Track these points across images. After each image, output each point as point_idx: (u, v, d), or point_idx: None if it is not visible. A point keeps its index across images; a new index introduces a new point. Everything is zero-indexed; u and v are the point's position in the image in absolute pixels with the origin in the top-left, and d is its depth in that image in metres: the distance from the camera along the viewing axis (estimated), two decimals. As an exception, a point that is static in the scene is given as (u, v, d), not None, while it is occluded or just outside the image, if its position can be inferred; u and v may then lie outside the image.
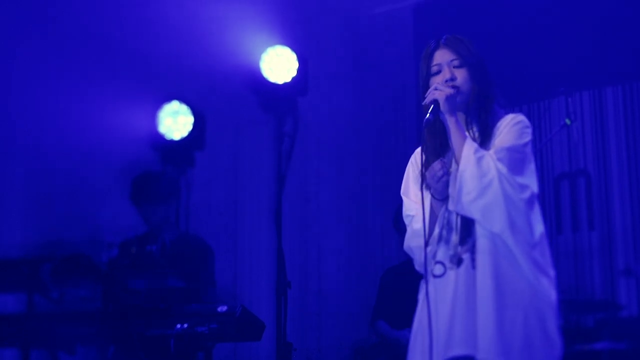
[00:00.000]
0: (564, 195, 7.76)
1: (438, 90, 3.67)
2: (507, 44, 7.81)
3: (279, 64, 6.88)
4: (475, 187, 3.56)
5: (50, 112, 6.95)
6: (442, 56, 3.81)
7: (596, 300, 7.24)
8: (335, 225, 8.48)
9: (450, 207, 3.70)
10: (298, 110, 6.96)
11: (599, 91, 7.70)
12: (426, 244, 3.71)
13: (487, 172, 3.55)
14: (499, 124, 3.75)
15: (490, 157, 3.58)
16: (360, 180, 8.65)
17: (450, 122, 3.64)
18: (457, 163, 3.62)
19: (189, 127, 7.16)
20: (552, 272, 3.68)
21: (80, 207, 7.11)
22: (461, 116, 3.80)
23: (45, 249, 6.25)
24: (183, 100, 7.21)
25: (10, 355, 5.30)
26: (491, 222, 3.57)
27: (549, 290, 3.64)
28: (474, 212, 3.59)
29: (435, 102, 3.64)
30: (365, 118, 8.67)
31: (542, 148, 7.64)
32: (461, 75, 3.77)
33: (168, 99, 7.19)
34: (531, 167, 3.70)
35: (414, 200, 3.85)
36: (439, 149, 3.76)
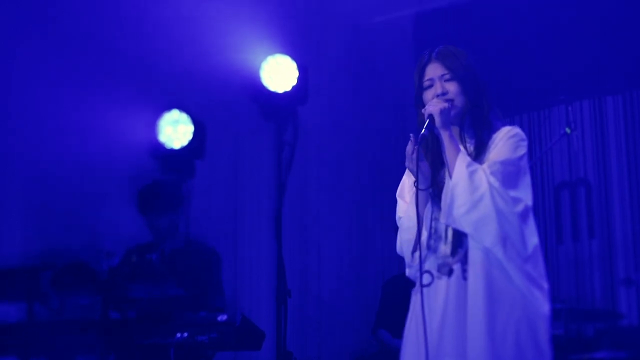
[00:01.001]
0: (564, 204, 7.77)
1: (432, 106, 3.67)
2: (507, 52, 7.83)
3: (279, 73, 6.89)
4: (466, 201, 3.55)
5: (50, 121, 6.95)
6: (433, 70, 3.80)
7: (596, 310, 7.24)
8: (335, 233, 8.47)
9: (442, 219, 3.69)
10: (298, 119, 6.96)
11: (599, 100, 7.72)
12: (415, 248, 3.71)
13: (479, 186, 3.54)
14: (494, 136, 3.73)
15: (482, 171, 3.57)
16: (360, 188, 8.65)
17: (445, 136, 3.63)
18: (450, 175, 3.62)
19: (189, 136, 7.16)
20: (545, 285, 3.65)
21: (80, 215, 7.10)
22: (455, 130, 3.79)
23: (45, 258, 6.22)
24: (183, 109, 7.21)
25: (11, 364, 5.29)
26: (482, 237, 3.56)
27: (541, 302, 3.61)
28: (465, 226, 3.59)
29: (430, 116, 3.64)
30: (365, 126, 8.68)
31: (542, 157, 7.65)
32: (452, 88, 3.75)
33: (168, 107, 7.20)
34: (526, 180, 3.68)
35: (406, 202, 3.85)
36: (435, 163, 3.75)
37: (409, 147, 3.68)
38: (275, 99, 6.93)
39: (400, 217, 3.88)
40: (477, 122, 3.77)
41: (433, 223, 3.75)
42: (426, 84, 3.80)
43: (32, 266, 5.10)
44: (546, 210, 7.76)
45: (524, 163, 3.70)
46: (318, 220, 8.51)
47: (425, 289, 3.70)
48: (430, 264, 3.74)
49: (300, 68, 6.91)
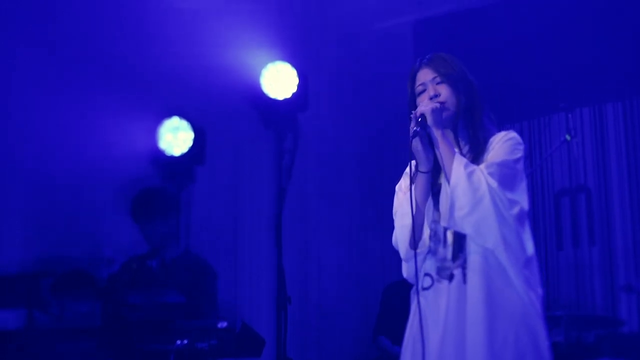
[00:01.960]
0: (564, 210, 7.77)
1: (423, 106, 3.68)
2: (507, 59, 7.84)
3: (279, 80, 6.89)
4: (467, 203, 3.54)
5: (50, 129, 6.95)
6: (424, 75, 3.83)
7: (597, 316, 7.24)
8: (335, 241, 8.48)
9: (443, 223, 3.68)
10: (298, 126, 6.96)
11: (599, 107, 7.73)
12: (413, 238, 3.69)
13: (479, 187, 3.54)
14: (491, 139, 3.74)
15: (480, 172, 3.57)
16: (360, 195, 8.66)
17: (437, 134, 3.64)
18: (447, 178, 3.61)
19: (189, 143, 7.16)
20: (540, 290, 3.65)
21: (80, 223, 7.10)
22: (450, 133, 3.79)
23: (45, 265, 6.23)
24: (183, 116, 7.21)
25: (11, 371, 5.29)
26: (484, 238, 3.56)
27: (539, 307, 3.62)
28: (466, 228, 3.58)
29: (422, 116, 3.65)
30: (365, 134, 8.68)
31: (542, 164, 7.65)
32: (444, 91, 3.77)
33: (168, 114, 7.20)
34: (522, 185, 3.67)
35: (403, 192, 3.84)
36: (431, 162, 3.75)
37: (412, 124, 3.68)
38: (275, 106, 6.93)
39: (396, 212, 3.87)
40: (470, 125, 3.79)
41: (433, 225, 3.75)
42: (419, 89, 3.83)
43: (32, 273, 5.11)
44: (546, 217, 7.76)
45: (521, 167, 3.69)
46: (318, 227, 8.51)
47: (425, 293, 3.71)
48: (429, 267, 3.74)
49: (300, 75, 6.91)
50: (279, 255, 6.08)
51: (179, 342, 5.04)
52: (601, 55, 7.49)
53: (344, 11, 8.42)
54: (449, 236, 3.70)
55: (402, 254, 3.81)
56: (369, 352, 7.63)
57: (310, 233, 8.49)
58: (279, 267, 6.01)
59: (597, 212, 7.61)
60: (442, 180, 3.69)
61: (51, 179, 7.03)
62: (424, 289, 3.72)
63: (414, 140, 3.67)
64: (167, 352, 5.02)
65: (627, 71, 7.48)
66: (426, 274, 3.74)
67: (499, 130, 3.81)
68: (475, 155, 3.72)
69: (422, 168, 3.72)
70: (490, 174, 3.56)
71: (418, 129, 3.63)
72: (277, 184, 6.41)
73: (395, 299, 7.16)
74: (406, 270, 3.84)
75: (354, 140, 8.66)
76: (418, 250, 3.71)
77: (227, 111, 7.92)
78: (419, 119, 3.63)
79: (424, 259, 3.74)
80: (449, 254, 3.69)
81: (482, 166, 3.60)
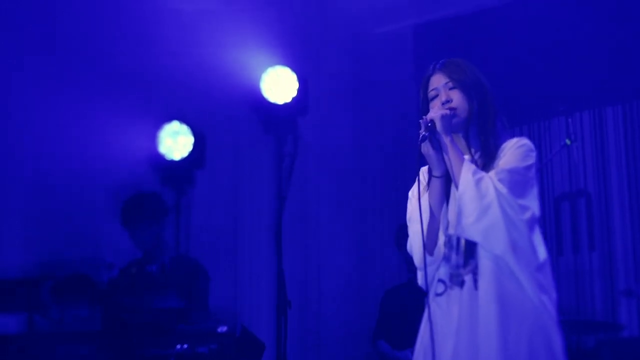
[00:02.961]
0: (564, 215, 7.76)
1: (433, 112, 3.68)
2: (507, 63, 7.83)
3: (279, 84, 6.90)
4: (475, 210, 3.54)
5: (50, 132, 6.95)
6: (437, 80, 3.81)
7: (597, 321, 7.23)
8: (335, 245, 8.47)
9: (451, 230, 3.69)
10: (298, 130, 6.96)
11: (599, 111, 7.72)
12: (427, 244, 3.67)
13: (486, 194, 3.53)
14: (503, 146, 3.73)
15: (489, 179, 3.56)
16: (360, 199, 8.65)
17: (446, 141, 3.63)
18: (455, 184, 3.61)
19: (189, 147, 7.16)
20: (554, 295, 3.65)
21: (80, 227, 7.10)
22: (460, 138, 3.79)
23: (45, 269, 6.23)
24: (183, 120, 7.21)
25: (11, 375, 5.28)
26: (492, 245, 3.55)
27: (553, 311, 3.62)
28: (475, 235, 3.58)
29: (432, 121, 3.64)
30: (366, 138, 8.68)
31: (542, 168, 7.64)
32: (456, 97, 3.76)
33: (168, 119, 7.20)
34: (533, 191, 3.66)
35: (417, 198, 3.83)
36: (444, 166, 3.73)
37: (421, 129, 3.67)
38: (275, 111, 6.93)
39: (410, 216, 3.86)
40: (482, 131, 3.77)
41: (447, 232, 3.74)
42: (431, 94, 3.81)
43: (32, 277, 5.11)
44: (546, 222, 7.74)
45: (532, 174, 3.68)
46: (318, 231, 8.50)
47: (438, 299, 3.71)
48: (442, 273, 3.73)
49: (300, 79, 6.92)
50: (279, 259, 6.08)
51: (179, 346, 5.04)
52: (601, 59, 7.50)
53: (344, 15, 8.43)
54: (462, 242, 3.69)
55: (416, 261, 3.80)
56: (368, 357, 7.62)
57: (310, 237, 8.48)
58: (279, 271, 6.01)
59: (597, 216, 7.60)
60: (452, 186, 3.69)
61: (51, 183, 7.03)
62: (438, 295, 3.72)
63: (423, 145, 3.65)
64: (167, 357, 5.03)
65: (627, 75, 7.47)
66: (439, 280, 3.73)
67: (511, 136, 3.80)
68: (487, 161, 3.71)
69: (435, 172, 3.71)
70: (501, 180, 3.55)
71: (426, 134, 3.62)
72: (277, 188, 6.41)
73: (395, 304, 7.15)
74: (421, 278, 3.83)
75: (354, 144, 8.65)
76: (433, 257, 3.71)
77: (227, 115, 7.93)
78: (429, 124, 3.63)
79: (439, 266, 3.74)
80: (461, 260, 3.69)
81: (492, 173, 3.60)
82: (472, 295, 3.61)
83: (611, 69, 7.47)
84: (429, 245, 3.70)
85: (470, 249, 3.65)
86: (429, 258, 3.71)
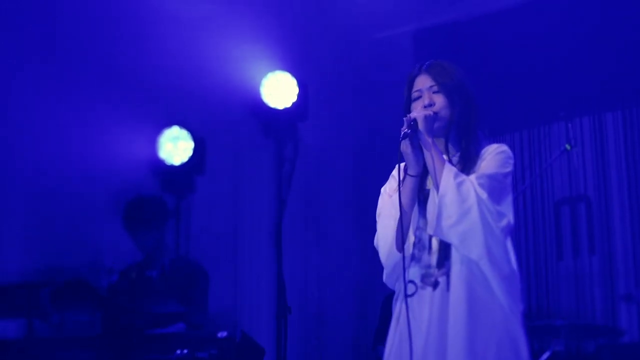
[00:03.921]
0: (564, 220, 7.76)
1: (416, 112, 3.68)
2: (507, 69, 7.84)
3: (279, 89, 6.91)
4: (455, 213, 3.53)
5: (50, 137, 6.96)
6: (422, 82, 3.81)
7: (597, 326, 7.23)
8: (335, 250, 8.47)
9: (429, 230, 3.67)
10: (298, 135, 6.98)
11: (599, 117, 7.72)
12: (399, 241, 3.68)
13: (467, 197, 3.52)
14: (482, 151, 3.73)
15: (470, 182, 3.56)
16: (360, 204, 8.65)
17: (428, 141, 3.63)
18: (436, 186, 3.61)
19: (189, 152, 7.18)
20: (521, 306, 3.64)
21: (80, 232, 7.10)
22: (441, 142, 3.78)
23: (45, 274, 6.24)
24: (183, 125, 7.23)
25: (11, 380, 5.28)
26: (469, 249, 3.55)
27: (520, 322, 3.62)
28: (452, 238, 3.57)
29: (414, 120, 3.64)
30: (365, 143, 8.69)
31: (542, 173, 7.65)
32: (439, 100, 3.75)
33: (168, 124, 7.22)
34: (509, 199, 3.66)
35: (388, 194, 3.83)
36: (421, 166, 3.73)
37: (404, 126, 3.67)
38: (275, 116, 6.94)
39: (380, 212, 3.86)
40: (462, 135, 3.77)
41: (417, 232, 3.74)
42: (415, 95, 3.82)
43: (32, 282, 5.11)
44: (546, 227, 7.75)
45: (509, 181, 3.68)
46: (318, 236, 8.51)
47: (409, 299, 3.69)
48: (413, 274, 3.72)
49: (300, 84, 6.93)
50: (279, 264, 6.09)
51: (179, 351, 5.04)
52: (601, 65, 7.50)
53: (344, 21, 8.43)
54: (434, 243, 3.69)
55: (383, 256, 3.80)
56: (369, 362, 7.63)
57: (310, 242, 8.48)
58: (279, 276, 6.01)
59: (597, 221, 7.60)
60: (431, 187, 3.68)
61: (51, 188, 7.03)
62: (408, 296, 3.71)
63: (403, 143, 3.65)
64: (167, 362, 5.02)
65: (627, 80, 7.48)
66: (410, 281, 3.72)
67: (490, 143, 3.80)
68: (465, 165, 3.70)
69: (411, 171, 3.71)
70: (481, 184, 3.55)
71: (408, 132, 3.62)
72: (277, 193, 6.43)
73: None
74: (386, 275, 3.83)
75: (354, 149, 8.66)
76: (401, 255, 3.70)
77: (228, 120, 7.93)
78: (411, 123, 3.63)
79: (408, 266, 3.73)
80: (434, 261, 3.68)
81: (472, 177, 3.59)
82: (443, 297, 3.61)
83: (611, 74, 7.47)
84: (398, 242, 3.69)
85: (445, 250, 3.65)
86: (396, 255, 3.71)
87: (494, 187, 3.59)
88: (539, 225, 7.78)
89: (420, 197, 3.75)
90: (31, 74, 6.92)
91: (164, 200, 6.59)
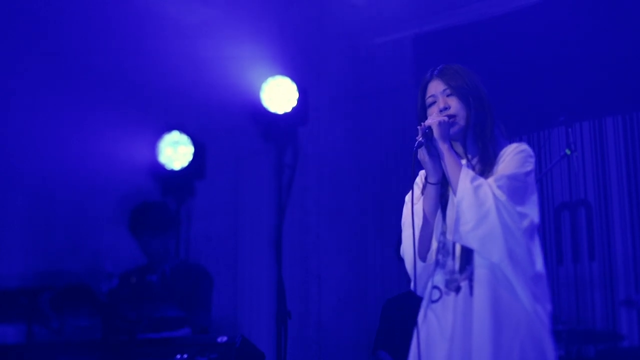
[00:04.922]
0: (564, 225, 7.75)
1: (431, 118, 3.68)
2: (507, 73, 7.83)
3: (279, 94, 6.91)
4: (472, 217, 3.53)
5: (50, 143, 6.96)
6: (435, 87, 3.82)
7: (597, 331, 7.22)
8: (335, 256, 8.47)
9: (449, 236, 3.68)
10: (298, 140, 6.97)
11: (599, 121, 7.71)
12: (418, 250, 3.68)
13: (485, 201, 3.52)
14: (502, 152, 3.73)
15: (487, 186, 3.55)
16: (360, 210, 8.65)
17: (443, 148, 3.63)
18: (453, 191, 3.61)
19: (189, 157, 7.17)
20: (548, 306, 3.64)
21: (80, 237, 7.10)
22: (459, 146, 3.79)
23: (45, 279, 6.23)
24: (183, 130, 7.22)
25: (10, 386, 5.27)
26: (490, 252, 3.55)
27: (546, 322, 3.60)
28: (472, 242, 3.57)
29: (429, 128, 3.64)
30: (366, 148, 8.68)
31: (542, 178, 7.64)
32: (454, 104, 3.76)
33: (168, 129, 7.21)
34: (533, 198, 3.65)
35: (412, 202, 3.83)
36: (440, 173, 3.73)
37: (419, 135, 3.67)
38: (275, 121, 6.94)
39: (404, 220, 3.86)
40: (480, 137, 3.77)
41: (441, 237, 3.74)
42: (429, 100, 3.82)
43: (32, 287, 5.09)
44: (546, 232, 7.74)
45: (531, 180, 3.67)
46: (318, 241, 8.50)
47: (434, 305, 3.70)
48: (438, 279, 3.73)
49: (300, 90, 6.93)
50: (278, 269, 6.09)
51: (178, 356, 5.02)
52: (601, 69, 7.49)
53: (344, 26, 8.44)
54: (457, 248, 3.69)
55: (407, 265, 3.80)
56: (369, 367, 7.62)
57: (310, 247, 8.48)
58: (279, 281, 6.01)
59: (597, 226, 7.59)
60: (450, 192, 3.69)
61: (51, 193, 7.04)
62: (433, 301, 3.71)
63: (420, 151, 3.66)
64: (167, 367, 5.01)
65: (627, 85, 7.47)
66: (434, 287, 3.73)
67: (509, 143, 3.79)
68: (485, 167, 3.71)
69: (430, 179, 3.72)
70: (500, 187, 3.54)
71: (422, 140, 3.62)
72: (277, 198, 6.42)
73: (395, 314, 7.14)
74: (413, 284, 3.82)
75: (354, 154, 8.65)
76: (425, 263, 3.70)
77: (227, 125, 7.94)
78: (426, 131, 3.63)
79: (433, 272, 3.73)
80: (457, 266, 3.68)
81: (491, 179, 3.59)
82: (467, 302, 3.61)
83: (611, 79, 7.47)
84: (421, 251, 3.70)
85: (467, 255, 3.65)
86: (421, 264, 3.71)
87: (515, 187, 3.59)
88: (539, 230, 7.76)
89: (442, 202, 3.75)
90: (31, 80, 6.92)
91: (170, 206, 6.60)
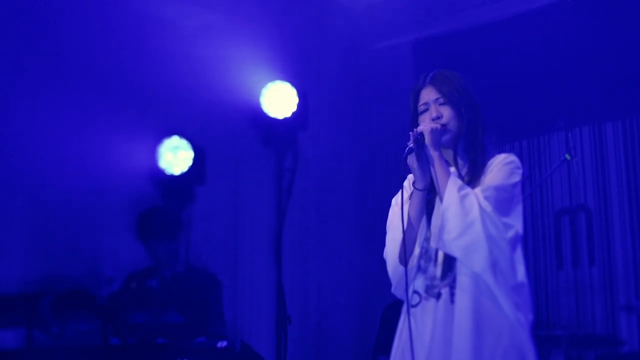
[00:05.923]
0: (564, 230, 7.75)
1: (423, 125, 3.68)
2: (507, 78, 7.84)
3: (279, 99, 6.91)
4: (457, 226, 3.53)
5: (50, 147, 6.96)
6: (428, 95, 3.81)
7: (597, 336, 7.22)
8: (335, 260, 8.46)
9: (432, 243, 3.68)
10: (298, 145, 6.97)
11: (598, 126, 7.71)
12: (404, 252, 3.67)
13: (470, 211, 3.51)
14: (490, 162, 3.72)
15: (474, 195, 3.54)
16: (360, 214, 8.65)
17: (434, 155, 3.63)
18: (440, 198, 3.61)
19: (189, 162, 7.17)
20: (530, 315, 3.63)
21: (80, 241, 7.10)
22: (449, 153, 3.79)
23: (45, 284, 6.24)
24: (183, 135, 7.23)
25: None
26: (472, 262, 3.54)
27: (528, 332, 3.60)
28: (455, 251, 3.56)
29: (421, 134, 3.64)
30: (365, 153, 8.69)
31: (542, 183, 7.65)
32: (446, 112, 3.75)
33: (168, 133, 7.21)
34: (518, 208, 3.64)
35: (399, 205, 3.82)
36: (428, 179, 3.73)
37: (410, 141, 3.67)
38: (275, 125, 6.94)
39: (389, 223, 3.87)
40: (470, 146, 3.77)
41: (424, 243, 3.74)
42: (421, 108, 3.81)
43: (32, 292, 5.10)
44: (546, 237, 7.74)
45: (518, 191, 3.67)
46: (318, 246, 8.50)
47: (413, 310, 3.70)
48: (418, 284, 3.72)
49: (300, 94, 6.93)
50: (278, 274, 6.09)
51: (179, 361, 5.03)
52: (601, 74, 7.50)
53: (344, 30, 8.44)
54: (440, 255, 3.69)
55: (389, 268, 3.82)
56: (368, 372, 7.62)
57: (310, 252, 8.47)
58: (279, 286, 6.01)
59: (597, 231, 7.59)
60: (437, 199, 3.68)
61: (51, 198, 7.04)
62: (412, 306, 3.71)
63: (409, 157, 3.65)
64: (167, 372, 5.02)
65: (627, 90, 7.47)
66: (415, 292, 3.72)
67: (500, 152, 3.79)
68: (473, 176, 3.70)
69: (418, 185, 3.72)
70: (487, 197, 3.54)
71: (413, 146, 3.62)
72: (277, 202, 6.42)
73: (395, 319, 7.13)
74: (394, 286, 3.83)
75: (353, 159, 8.66)
76: (408, 267, 3.69)
77: (227, 130, 7.94)
78: (418, 137, 3.63)
79: (414, 277, 3.73)
80: (439, 272, 3.68)
81: (478, 189, 3.58)
82: (447, 308, 3.61)
83: (611, 84, 7.47)
84: (402, 255, 3.69)
85: (449, 262, 3.65)
86: (400, 267, 3.71)
87: (501, 198, 3.58)
88: (539, 235, 7.77)
89: (428, 209, 3.75)
90: (31, 83, 6.92)
91: (179, 211, 6.60)
